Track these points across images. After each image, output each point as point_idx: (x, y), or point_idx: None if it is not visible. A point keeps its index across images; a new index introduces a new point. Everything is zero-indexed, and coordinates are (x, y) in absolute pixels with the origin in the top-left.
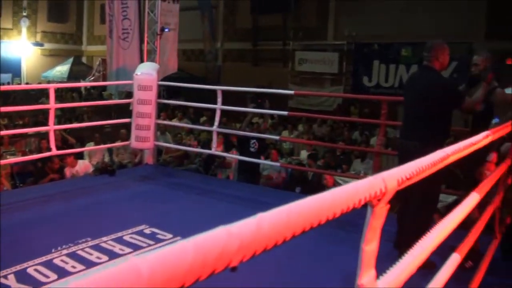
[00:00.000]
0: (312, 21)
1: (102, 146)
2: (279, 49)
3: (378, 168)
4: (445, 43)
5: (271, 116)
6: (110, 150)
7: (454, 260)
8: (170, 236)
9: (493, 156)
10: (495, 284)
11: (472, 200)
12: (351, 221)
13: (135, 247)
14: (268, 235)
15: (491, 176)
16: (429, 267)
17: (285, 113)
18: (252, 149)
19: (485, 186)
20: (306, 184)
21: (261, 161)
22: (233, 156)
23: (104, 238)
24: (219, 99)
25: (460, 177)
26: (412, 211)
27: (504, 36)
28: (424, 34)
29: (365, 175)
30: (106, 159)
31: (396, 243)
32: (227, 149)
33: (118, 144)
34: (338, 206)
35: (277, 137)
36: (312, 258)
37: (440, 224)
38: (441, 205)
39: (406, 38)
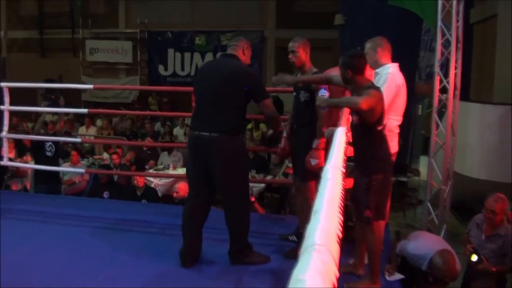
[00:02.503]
0: (101, 7)
1: None
2: (68, 38)
3: None
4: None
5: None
6: None
7: None
8: None
9: (319, 143)
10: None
11: None
12: None
13: None
14: None
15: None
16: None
17: (84, 111)
18: (48, 153)
19: None
20: (114, 186)
21: (63, 168)
22: (28, 166)
23: None
24: (6, 99)
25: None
26: (232, 211)
27: (292, 25)
28: (217, 22)
29: (174, 168)
30: None
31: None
32: (20, 154)
33: None
34: None
35: (78, 140)
36: None
37: None
38: (255, 190)
39: (199, 26)
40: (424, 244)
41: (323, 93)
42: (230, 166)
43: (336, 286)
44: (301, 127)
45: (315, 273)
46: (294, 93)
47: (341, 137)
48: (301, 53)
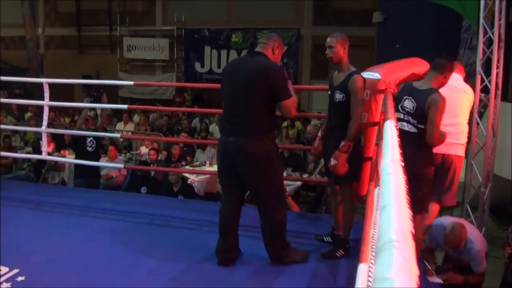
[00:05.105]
0: (139, 5)
1: None
2: (106, 35)
3: None
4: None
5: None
6: None
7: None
8: (5, 270)
9: (344, 145)
10: None
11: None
12: None
13: None
14: None
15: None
16: None
17: (124, 106)
18: (89, 148)
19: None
20: (151, 182)
21: (103, 163)
22: (69, 161)
23: None
24: (46, 94)
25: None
26: (268, 209)
27: (329, 22)
28: (253, 19)
29: (211, 165)
30: None
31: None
32: (58, 148)
33: None
34: None
35: (117, 135)
36: None
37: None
38: (290, 188)
39: (236, 24)
40: (449, 219)
41: None
42: (259, 169)
43: (419, 285)
44: (334, 128)
45: (401, 270)
46: (329, 93)
47: (392, 129)
48: (338, 48)
